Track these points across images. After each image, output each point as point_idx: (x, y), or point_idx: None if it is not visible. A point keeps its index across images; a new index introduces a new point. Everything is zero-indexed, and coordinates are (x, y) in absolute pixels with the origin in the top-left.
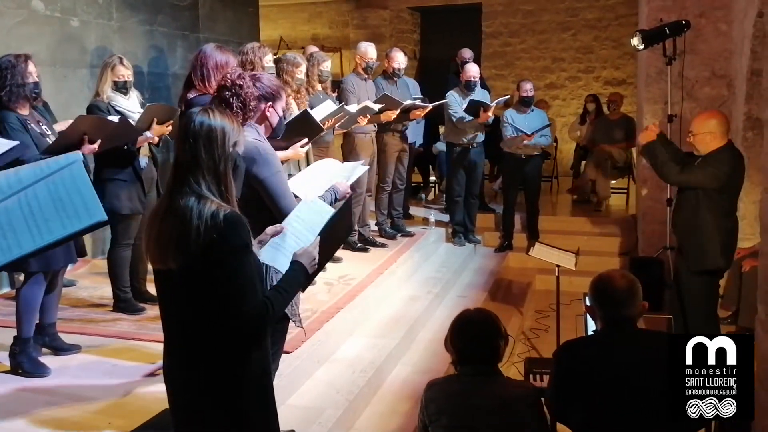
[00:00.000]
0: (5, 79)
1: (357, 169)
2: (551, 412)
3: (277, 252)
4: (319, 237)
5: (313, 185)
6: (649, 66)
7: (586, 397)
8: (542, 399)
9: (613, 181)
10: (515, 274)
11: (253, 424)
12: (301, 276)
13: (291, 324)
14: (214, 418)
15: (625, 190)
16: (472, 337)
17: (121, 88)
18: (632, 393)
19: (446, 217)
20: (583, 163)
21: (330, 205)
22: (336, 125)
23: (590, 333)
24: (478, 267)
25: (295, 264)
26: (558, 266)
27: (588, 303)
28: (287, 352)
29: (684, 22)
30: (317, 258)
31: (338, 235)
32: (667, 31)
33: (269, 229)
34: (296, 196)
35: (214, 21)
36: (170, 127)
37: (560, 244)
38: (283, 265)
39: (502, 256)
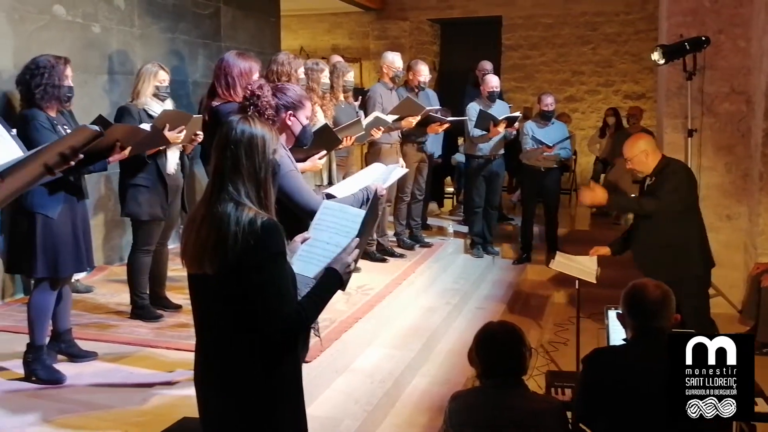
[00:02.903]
0: (42, 77)
1: (395, 171)
2: (576, 419)
3: (307, 262)
4: (356, 239)
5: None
6: (669, 81)
7: (613, 407)
8: (567, 413)
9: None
10: (534, 286)
11: (285, 429)
12: (334, 283)
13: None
14: (247, 424)
15: None
16: (497, 349)
17: (163, 93)
18: (660, 405)
19: (464, 228)
20: (603, 176)
21: (362, 204)
22: (353, 142)
23: (617, 343)
24: (497, 279)
25: (329, 270)
26: (578, 279)
27: (619, 311)
28: (306, 362)
29: (704, 38)
30: (352, 265)
31: (368, 230)
32: (687, 47)
33: (298, 238)
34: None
35: (235, 30)
36: (182, 134)
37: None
38: (313, 272)
39: (520, 269)
